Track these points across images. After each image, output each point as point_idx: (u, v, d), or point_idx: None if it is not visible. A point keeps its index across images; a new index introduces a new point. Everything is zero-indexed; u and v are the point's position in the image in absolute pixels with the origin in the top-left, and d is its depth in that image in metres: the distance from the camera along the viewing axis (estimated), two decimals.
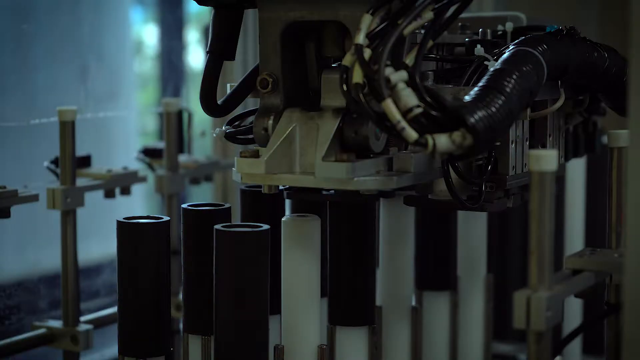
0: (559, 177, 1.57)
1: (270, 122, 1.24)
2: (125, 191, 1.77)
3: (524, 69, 1.15)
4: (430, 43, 1.17)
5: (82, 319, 1.69)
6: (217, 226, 1.26)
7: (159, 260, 1.32)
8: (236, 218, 1.46)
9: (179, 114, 1.92)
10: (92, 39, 2.07)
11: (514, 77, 1.14)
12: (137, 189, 1.91)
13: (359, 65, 1.11)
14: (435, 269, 1.58)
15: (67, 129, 1.62)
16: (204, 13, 2.39)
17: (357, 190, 1.19)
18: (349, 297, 1.38)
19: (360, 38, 1.12)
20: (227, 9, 1.29)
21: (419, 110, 1.10)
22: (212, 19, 1.30)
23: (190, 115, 1.96)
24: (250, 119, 1.32)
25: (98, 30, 2.09)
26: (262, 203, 1.43)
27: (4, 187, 1.54)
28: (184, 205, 1.37)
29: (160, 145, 1.90)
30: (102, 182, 1.72)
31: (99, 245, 2.04)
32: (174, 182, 1.86)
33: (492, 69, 1.16)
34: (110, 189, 1.74)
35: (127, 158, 1.97)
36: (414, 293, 1.56)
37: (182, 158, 1.92)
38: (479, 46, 1.27)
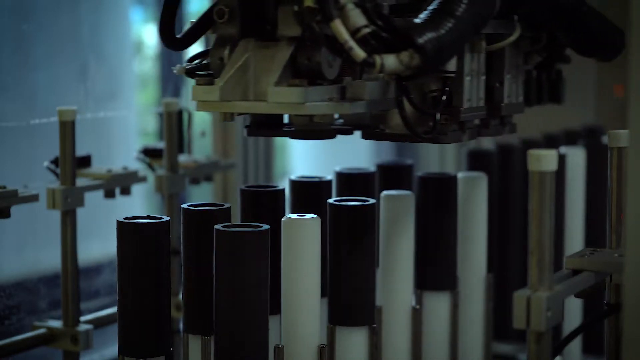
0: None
1: (226, 52, 1.24)
2: (125, 191, 1.77)
3: None
4: None
5: (82, 319, 1.69)
6: (217, 226, 1.26)
7: (159, 260, 1.32)
8: (236, 218, 1.46)
9: (179, 114, 1.92)
10: (92, 39, 2.07)
11: (465, 1, 1.16)
12: (137, 189, 1.91)
13: None
14: (435, 269, 1.58)
15: (67, 129, 1.62)
16: None
17: (313, 123, 1.21)
18: (349, 297, 1.38)
19: None
20: None
21: (367, 30, 1.12)
22: None
23: (190, 115, 1.96)
24: None
25: (98, 30, 2.08)
26: (262, 203, 1.44)
27: (4, 187, 1.54)
28: (184, 205, 1.37)
29: (160, 145, 1.90)
30: (102, 182, 1.72)
31: (99, 245, 2.03)
32: (174, 182, 1.86)
33: None
34: (110, 189, 1.74)
35: (127, 158, 1.97)
36: (414, 293, 1.56)
37: (182, 158, 1.92)
38: None
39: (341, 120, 1.43)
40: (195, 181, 1.97)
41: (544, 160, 1.05)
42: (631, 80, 1.01)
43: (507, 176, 1.95)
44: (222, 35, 1.25)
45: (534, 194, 1.06)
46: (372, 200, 1.40)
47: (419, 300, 1.57)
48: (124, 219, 1.32)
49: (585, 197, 1.90)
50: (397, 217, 1.50)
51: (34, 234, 1.94)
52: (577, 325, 1.70)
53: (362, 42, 1.11)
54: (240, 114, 1.29)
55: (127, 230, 1.31)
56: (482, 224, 1.66)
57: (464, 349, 1.64)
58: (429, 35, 1.12)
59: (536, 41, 1.45)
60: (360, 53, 1.11)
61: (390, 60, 1.12)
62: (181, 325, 1.44)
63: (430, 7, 1.16)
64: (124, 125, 2.23)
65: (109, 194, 1.75)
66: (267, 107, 1.19)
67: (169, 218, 1.35)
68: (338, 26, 1.11)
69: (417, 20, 1.14)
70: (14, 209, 1.54)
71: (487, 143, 2.72)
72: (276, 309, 1.36)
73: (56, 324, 1.66)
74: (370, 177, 1.61)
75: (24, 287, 1.90)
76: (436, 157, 2.93)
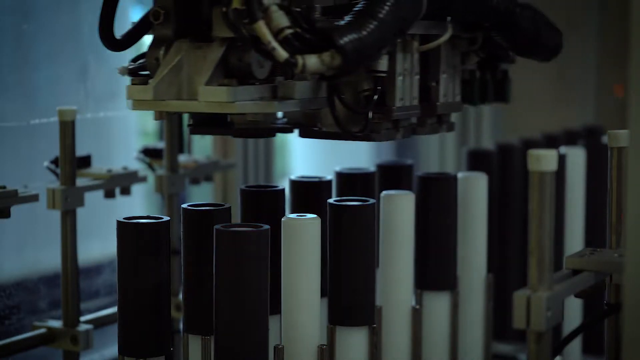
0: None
1: (161, 52, 1.27)
2: (125, 191, 1.77)
3: None
4: None
5: (82, 319, 1.69)
6: (217, 226, 1.26)
7: (159, 260, 1.32)
8: (236, 218, 1.46)
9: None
10: (92, 39, 2.07)
11: (388, 4, 1.19)
12: (137, 189, 1.91)
13: None
14: (435, 269, 1.58)
15: (67, 129, 1.62)
16: None
17: (253, 121, 1.25)
18: (349, 297, 1.38)
19: None
20: None
21: (290, 31, 1.15)
22: None
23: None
24: None
25: (98, 30, 2.08)
26: (262, 203, 1.44)
27: (4, 187, 1.54)
28: (184, 205, 1.37)
29: (160, 145, 1.90)
30: (102, 182, 1.72)
31: (99, 245, 2.03)
32: (174, 182, 1.86)
33: None
34: (110, 189, 1.74)
35: (127, 158, 1.97)
36: (414, 293, 1.56)
37: (182, 158, 1.92)
38: None
39: (285, 119, 1.45)
40: (195, 181, 1.97)
41: (544, 160, 1.05)
42: (631, 80, 1.01)
43: (507, 176, 1.95)
44: (158, 36, 1.28)
45: (534, 194, 1.06)
46: (372, 200, 1.40)
47: (419, 300, 1.57)
48: (124, 219, 1.32)
49: (585, 197, 1.90)
50: (397, 217, 1.50)
51: (34, 234, 1.94)
52: (577, 325, 1.70)
53: (285, 42, 1.15)
54: (174, 113, 1.30)
55: (127, 230, 1.31)
56: (482, 224, 1.66)
57: (464, 349, 1.64)
58: (350, 36, 1.15)
59: (472, 42, 1.48)
60: (282, 53, 1.14)
61: (312, 61, 1.15)
62: (181, 325, 1.44)
63: (355, 9, 1.20)
64: (124, 125, 2.23)
65: (109, 194, 1.75)
66: (198, 106, 1.22)
67: (169, 218, 1.35)
68: (261, 27, 1.14)
69: (340, 22, 1.17)
70: (14, 209, 1.54)
71: (487, 143, 2.73)
72: (276, 309, 1.36)
73: (56, 324, 1.66)
74: (370, 177, 1.61)
75: (24, 287, 1.90)
76: (436, 157, 2.93)
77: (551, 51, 1.57)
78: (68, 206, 1.63)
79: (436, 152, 2.91)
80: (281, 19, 1.16)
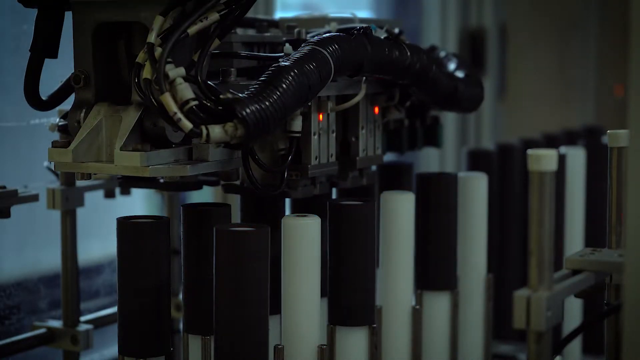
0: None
1: (82, 114, 1.31)
2: (125, 191, 1.77)
3: (306, 67, 1.26)
4: (217, 42, 1.26)
5: (82, 319, 1.69)
6: (217, 226, 1.26)
7: (159, 260, 1.32)
8: (236, 218, 1.46)
9: None
10: None
11: (292, 74, 1.24)
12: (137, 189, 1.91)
13: (149, 63, 1.20)
14: (435, 269, 1.58)
15: None
16: None
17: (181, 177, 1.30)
18: (349, 297, 1.38)
19: (152, 37, 1.21)
20: (48, 10, 1.36)
21: (194, 103, 1.19)
22: (36, 20, 1.37)
23: None
24: None
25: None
26: (262, 203, 1.44)
27: (4, 187, 1.54)
28: (184, 205, 1.37)
29: None
30: (102, 182, 1.72)
31: (99, 245, 2.03)
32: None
33: (273, 66, 1.25)
34: (110, 189, 1.74)
35: None
36: (414, 293, 1.56)
37: None
38: (287, 45, 1.39)
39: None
40: None
41: (544, 160, 1.05)
42: (631, 80, 1.01)
43: (507, 176, 1.96)
44: (79, 98, 1.31)
45: (534, 194, 1.06)
46: (372, 200, 1.40)
47: (419, 300, 1.57)
48: (123, 218, 1.32)
49: (585, 197, 1.90)
50: (397, 217, 1.50)
51: (34, 234, 1.94)
52: (577, 325, 1.70)
53: (190, 113, 1.19)
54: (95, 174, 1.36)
55: (127, 230, 1.32)
56: (482, 224, 1.66)
57: (464, 349, 1.64)
58: (252, 107, 1.20)
59: (390, 97, 1.54)
60: (187, 124, 1.19)
61: (216, 131, 1.20)
62: (181, 325, 1.44)
63: (260, 79, 1.24)
64: None
65: (109, 194, 1.75)
66: (115, 169, 1.26)
67: (168, 218, 1.35)
68: (167, 99, 1.19)
69: (245, 92, 1.22)
70: (14, 209, 1.54)
71: (487, 143, 2.73)
72: (276, 309, 1.36)
73: (56, 324, 1.66)
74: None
75: (24, 287, 1.90)
76: (436, 157, 2.94)
77: (472, 103, 1.63)
78: (68, 206, 1.63)
79: (436, 152, 2.91)
80: (186, 92, 1.19)
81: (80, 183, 1.66)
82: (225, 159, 1.31)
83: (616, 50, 3.05)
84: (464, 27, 3.01)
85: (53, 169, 1.67)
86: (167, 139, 1.27)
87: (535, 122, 2.92)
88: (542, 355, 1.06)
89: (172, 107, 1.19)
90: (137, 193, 2.02)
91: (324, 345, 1.36)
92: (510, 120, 3.07)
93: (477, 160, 1.89)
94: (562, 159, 1.84)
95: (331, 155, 1.44)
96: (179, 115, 1.19)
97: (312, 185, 1.44)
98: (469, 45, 3.01)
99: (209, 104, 1.21)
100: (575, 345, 1.85)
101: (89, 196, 1.67)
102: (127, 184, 1.59)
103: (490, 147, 2.05)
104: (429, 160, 2.93)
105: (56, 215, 1.65)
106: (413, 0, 3.04)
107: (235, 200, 1.57)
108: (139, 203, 2.20)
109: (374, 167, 1.58)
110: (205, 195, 2.17)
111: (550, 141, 2.12)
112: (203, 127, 1.19)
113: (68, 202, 1.62)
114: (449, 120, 2.94)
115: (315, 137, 1.40)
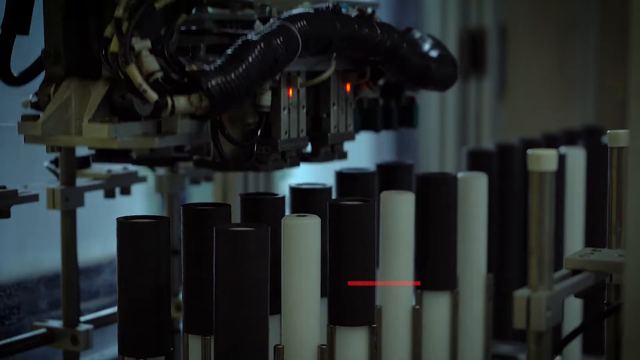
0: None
1: (52, 89, 1.32)
2: (125, 191, 1.77)
3: (273, 41, 1.27)
4: (184, 17, 1.27)
5: (82, 319, 1.69)
6: (217, 226, 1.26)
7: (159, 260, 1.32)
8: (236, 218, 1.46)
9: None
10: None
11: (258, 48, 1.26)
12: (137, 189, 1.91)
13: (116, 36, 1.22)
14: (435, 269, 1.58)
15: None
16: None
17: (153, 152, 1.34)
18: (349, 297, 1.38)
19: (120, 12, 1.22)
20: None
21: (159, 74, 1.22)
22: None
23: None
24: None
25: None
26: (262, 203, 1.43)
27: (4, 187, 1.54)
28: (184, 205, 1.37)
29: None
30: (102, 182, 1.72)
31: (99, 245, 2.03)
32: (174, 182, 1.86)
33: (240, 40, 1.27)
34: (110, 189, 1.74)
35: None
36: (414, 293, 1.56)
37: None
38: (257, 22, 1.41)
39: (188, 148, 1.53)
40: (195, 181, 1.97)
41: (544, 160, 1.05)
42: (631, 80, 1.01)
43: (507, 176, 1.96)
44: (50, 74, 1.33)
45: (534, 194, 1.06)
46: (372, 200, 1.40)
47: (419, 300, 1.57)
48: (123, 218, 1.32)
49: (585, 197, 1.90)
50: (397, 217, 1.50)
51: (34, 234, 1.94)
52: (577, 325, 1.70)
53: (155, 85, 1.21)
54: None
55: (127, 230, 1.31)
56: (481, 224, 1.66)
57: (464, 349, 1.64)
58: (217, 79, 1.22)
59: (362, 75, 1.54)
60: (152, 95, 1.21)
61: (181, 102, 1.22)
62: (181, 325, 1.44)
63: (226, 52, 1.26)
64: None
65: (109, 194, 1.75)
66: (84, 141, 1.28)
67: (168, 218, 1.35)
68: (133, 71, 1.21)
69: (212, 65, 1.24)
70: (14, 209, 1.54)
71: (487, 143, 2.73)
72: (276, 309, 1.36)
73: (56, 324, 1.66)
74: (370, 177, 1.61)
75: (24, 287, 1.90)
76: (436, 157, 2.94)
77: (444, 82, 1.62)
78: (68, 206, 1.63)
79: (436, 152, 2.91)
80: (151, 64, 1.22)
81: (80, 183, 1.66)
82: (195, 132, 1.33)
83: (616, 50, 3.05)
84: (463, 27, 3.02)
85: (51, 168, 1.68)
86: (136, 112, 1.29)
87: (535, 122, 2.92)
88: (542, 355, 1.06)
89: (138, 78, 1.21)
90: (137, 193, 2.02)
91: (324, 345, 1.36)
92: (510, 120, 3.07)
93: (477, 160, 1.89)
94: (562, 159, 1.84)
95: (302, 131, 1.46)
96: (145, 86, 1.21)
97: (282, 159, 1.45)
98: (469, 45, 3.01)
99: (175, 77, 1.23)
100: (575, 345, 1.85)
101: (89, 196, 1.67)
102: (99, 158, 1.61)
103: (490, 147, 2.05)
104: (429, 160, 2.93)
105: (56, 215, 1.65)
106: (413, 0, 3.05)
107: (235, 200, 1.57)
108: (139, 203, 2.20)
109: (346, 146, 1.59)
110: (205, 195, 2.17)
111: (550, 141, 2.12)
112: (168, 98, 1.21)
113: (68, 202, 1.62)
114: (449, 120, 2.95)
115: (285, 112, 1.42)
